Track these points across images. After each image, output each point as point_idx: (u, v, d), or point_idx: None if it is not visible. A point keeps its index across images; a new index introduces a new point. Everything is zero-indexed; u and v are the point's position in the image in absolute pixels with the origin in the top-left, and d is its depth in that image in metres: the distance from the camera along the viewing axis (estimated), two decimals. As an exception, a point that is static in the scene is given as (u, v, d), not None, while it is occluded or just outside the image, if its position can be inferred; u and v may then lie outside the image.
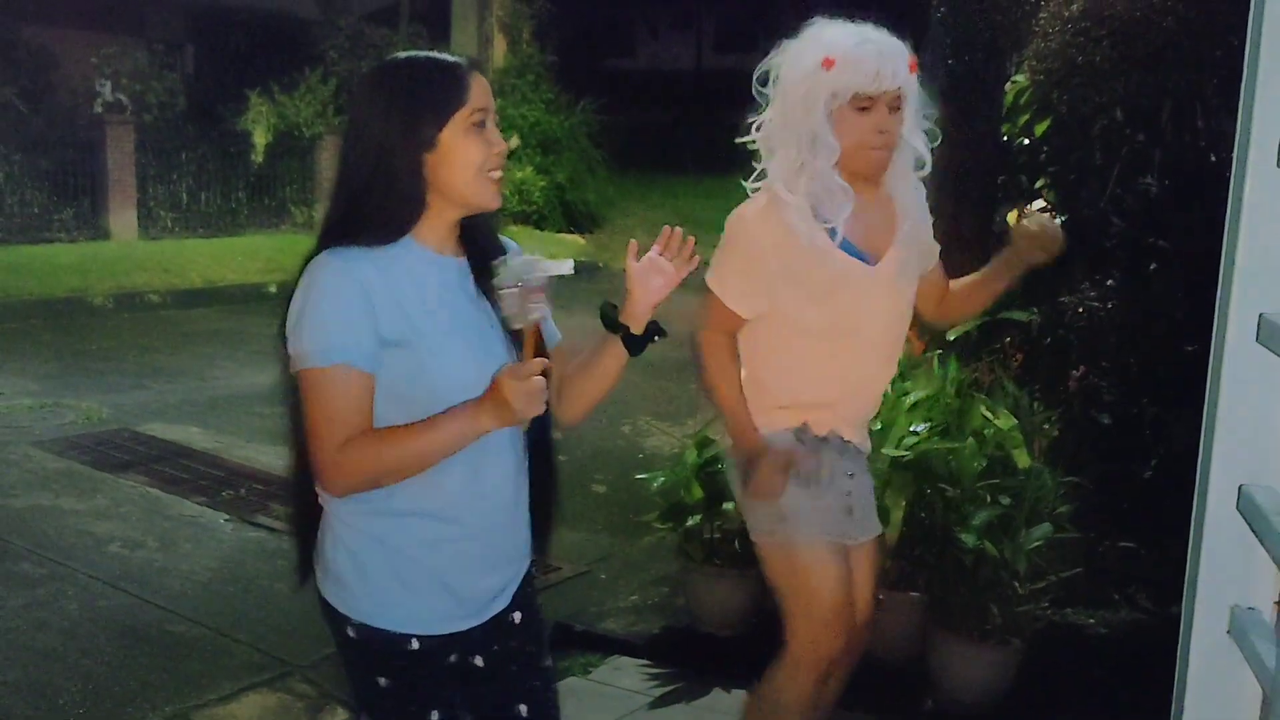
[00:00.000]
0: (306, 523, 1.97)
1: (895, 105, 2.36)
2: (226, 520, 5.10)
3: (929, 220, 2.59)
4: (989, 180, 4.65)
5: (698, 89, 21.31)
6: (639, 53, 26.22)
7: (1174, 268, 3.89)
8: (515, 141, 14.92)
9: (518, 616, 2.03)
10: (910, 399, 3.60)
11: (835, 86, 2.32)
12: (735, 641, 3.75)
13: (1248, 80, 1.36)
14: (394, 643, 1.89)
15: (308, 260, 1.83)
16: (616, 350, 1.96)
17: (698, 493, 3.72)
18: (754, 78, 2.46)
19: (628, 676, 3.65)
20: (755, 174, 2.52)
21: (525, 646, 2.07)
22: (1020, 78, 4.58)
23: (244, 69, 15.84)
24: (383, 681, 1.92)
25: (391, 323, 1.79)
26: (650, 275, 1.94)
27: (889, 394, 3.63)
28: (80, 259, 12.00)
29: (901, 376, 3.82)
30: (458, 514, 1.89)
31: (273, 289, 12.01)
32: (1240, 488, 1.32)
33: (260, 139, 15.02)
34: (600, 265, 14.41)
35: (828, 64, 2.32)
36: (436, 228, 1.87)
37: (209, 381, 7.87)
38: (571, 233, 15.40)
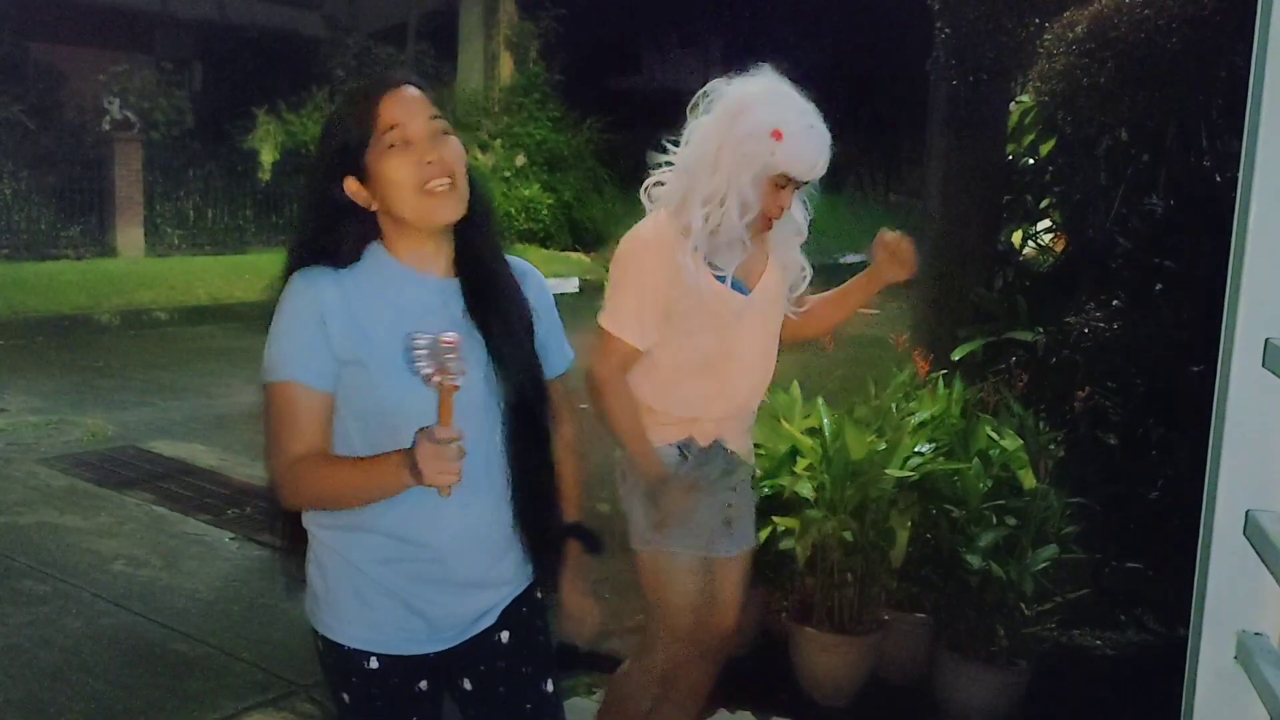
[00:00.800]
0: (291, 538, 1.99)
1: (798, 187, 2.50)
2: (231, 539, 5.09)
3: (801, 268, 2.70)
4: (994, 200, 4.66)
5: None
6: (646, 71, 26.32)
7: (1180, 289, 3.88)
8: (521, 159, 14.97)
9: (505, 636, 1.98)
10: (915, 419, 3.60)
11: (775, 160, 2.40)
12: (740, 661, 3.73)
13: (1253, 102, 1.35)
14: (351, 659, 1.90)
15: (281, 282, 1.87)
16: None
17: (702, 512, 3.70)
18: (691, 102, 2.53)
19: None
20: (654, 186, 2.60)
21: (517, 668, 2.01)
22: (1025, 98, 4.59)
23: (252, 87, 15.91)
24: (345, 697, 1.93)
25: (346, 341, 1.81)
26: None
27: (894, 413, 3.64)
28: (87, 276, 12.04)
29: (906, 397, 3.82)
30: (416, 535, 1.86)
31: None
32: (1247, 513, 1.31)
33: (267, 157, 15.07)
34: (605, 283, 14.43)
35: (777, 135, 2.39)
36: (413, 246, 1.87)
37: (215, 399, 7.88)
38: (576, 250, 15.43)
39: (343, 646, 1.89)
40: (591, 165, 16.22)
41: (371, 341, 1.80)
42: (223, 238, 14.69)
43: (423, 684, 1.95)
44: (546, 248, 15.14)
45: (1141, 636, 3.81)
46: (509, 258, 2.00)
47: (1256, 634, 1.41)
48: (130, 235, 13.79)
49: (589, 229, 15.75)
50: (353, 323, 1.81)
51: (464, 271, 1.90)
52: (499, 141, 15.34)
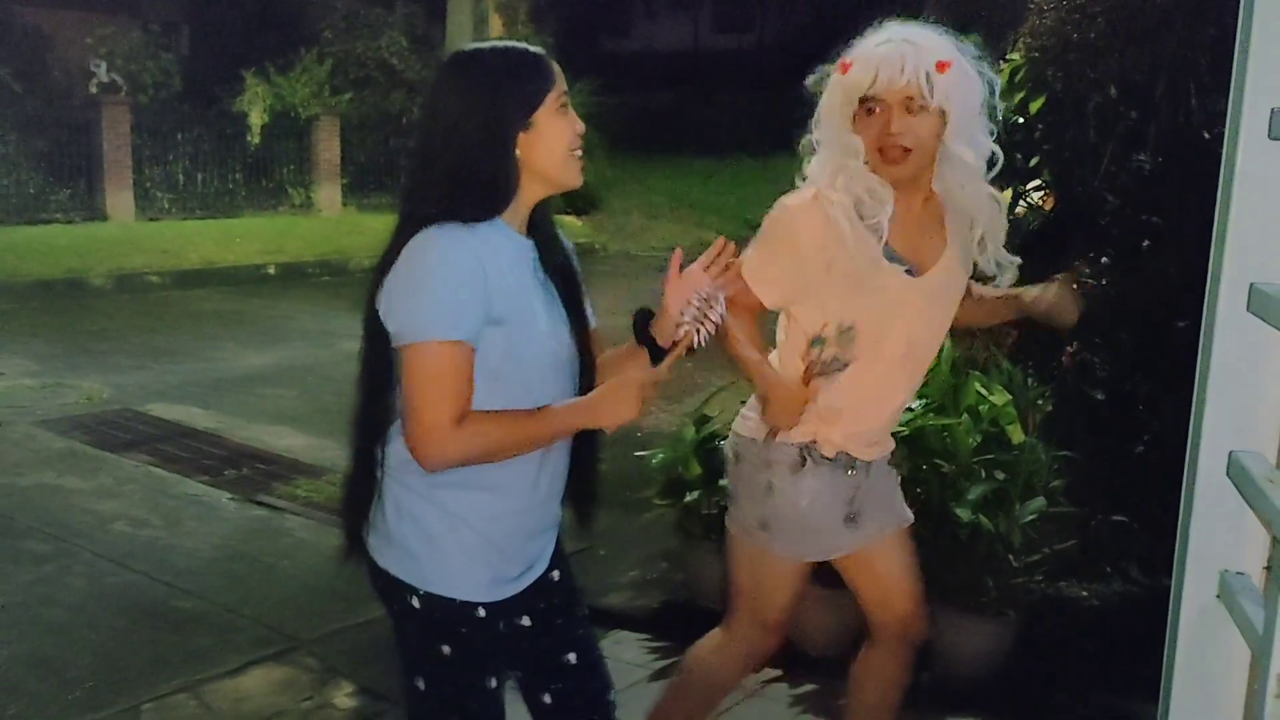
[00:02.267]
0: (361, 497, 2.01)
1: (912, 107, 2.23)
2: (230, 499, 5.14)
3: (1000, 230, 2.46)
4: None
5: (696, 70, 21.32)
6: (636, 34, 26.14)
7: (1167, 245, 3.92)
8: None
9: (556, 575, 2.13)
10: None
11: (846, 89, 2.27)
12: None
13: (1240, 51, 1.39)
14: (461, 611, 1.96)
15: (396, 238, 1.88)
16: (642, 359, 2.02)
17: (696, 469, 3.76)
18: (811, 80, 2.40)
19: (628, 650, 3.71)
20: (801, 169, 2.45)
21: (566, 601, 2.16)
22: (1015, 55, 4.60)
23: (239, 50, 15.81)
24: (446, 649, 1.98)
25: (498, 301, 1.85)
26: (684, 291, 1.96)
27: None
28: (78, 240, 12.02)
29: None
30: (522, 489, 1.97)
31: (272, 270, 12.03)
32: (1230, 454, 1.36)
33: (256, 120, 15.00)
34: (597, 247, 14.44)
35: (844, 68, 2.28)
36: (519, 209, 1.95)
37: (210, 362, 7.91)
38: (568, 214, 15.41)
39: (454, 600, 1.95)
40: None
41: (511, 302, 1.87)
42: (213, 201, 14.64)
43: (503, 624, 2.04)
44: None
45: (1126, 587, 3.88)
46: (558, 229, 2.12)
47: (1238, 573, 1.46)
48: (120, 199, 13.74)
49: (581, 193, 15.67)
50: (502, 281, 1.86)
51: (537, 234, 2.00)
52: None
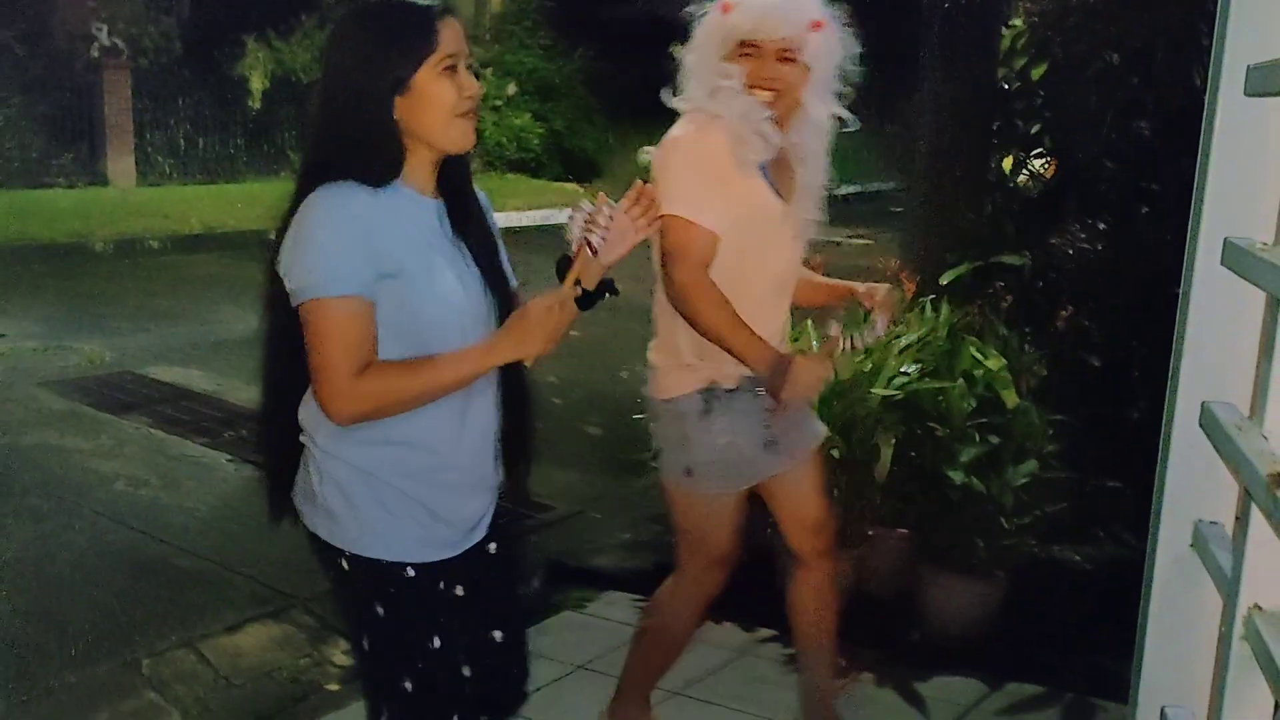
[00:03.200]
0: (281, 459, 2.01)
1: (784, 56, 2.39)
2: (228, 460, 5.17)
3: (822, 181, 2.60)
4: (985, 125, 4.68)
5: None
6: (639, -1, 25.99)
7: (1164, 210, 3.93)
8: (512, 88, 14.86)
9: (493, 547, 2.09)
10: (901, 341, 3.66)
11: (726, 29, 2.40)
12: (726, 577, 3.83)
13: (1220, 8, 1.40)
14: (388, 571, 1.93)
15: (295, 199, 1.87)
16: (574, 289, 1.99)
17: (692, 431, 3.77)
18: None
19: (620, 610, 3.74)
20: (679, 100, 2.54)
21: (501, 576, 2.13)
22: (1018, 22, 4.59)
23: (240, 14, 15.71)
24: (380, 610, 1.95)
25: (386, 255, 1.83)
26: (612, 234, 1.95)
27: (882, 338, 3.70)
28: (80, 204, 12.01)
29: (894, 320, 3.88)
30: (444, 444, 1.94)
31: (272, 235, 12.01)
32: (1203, 404, 1.38)
33: (257, 85, 14.95)
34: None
35: (725, 8, 2.41)
36: (417, 169, 1.92)
37: (209, 326, 7.92)
38: (569, 180, 15.39)
39: (380, 561, 1.92)
40: (582, 94, 16.10)
41: (404, 258, 1.85)
42: (214, 166, 14.62)
43: (441, 585, 2.01)
44: (538, 177, 15.09)
45: (1119, 550, 3.91)
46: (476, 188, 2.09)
47: (1212, 522, 1.48)
48: (122, 164, 13.72)
49: (580, 159, 15.67)
50: (386, 235, 1.84)
51: (447, 194, 1.96)
52: (490, 70, 15.20)
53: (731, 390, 2.51)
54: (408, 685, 1.96)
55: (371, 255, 1.81)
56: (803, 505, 2.69)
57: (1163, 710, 1.48)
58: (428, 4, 1.89)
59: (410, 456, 1.92)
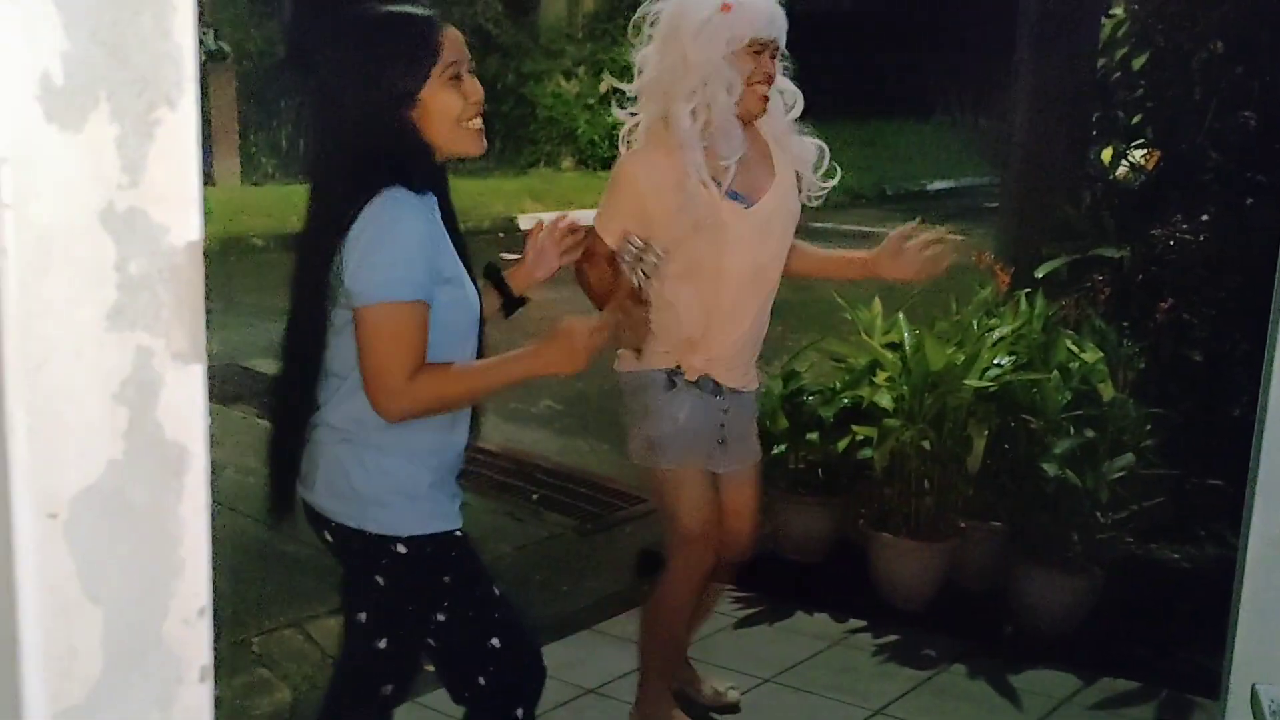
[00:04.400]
0: (288, 456, 2.10)
1: (775, 53, 2.56)
2: (331, 449, 5.33)
3: (813, 153, 2.72)
4: (1084, 117, 4.61)
5: (792, 32, 21.02)
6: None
7: (1271, 202, 3.84)
8: (605, 85, 14.93)
9: None
10: (995, 334, 3.64)
11: (734, 30, 2.47)
12: (817, 568, 3.86)
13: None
14: (446, 542, 2.04)
15: (328, 201, 1.95)
16: (492, 307, 2.16)
17: (783, 423, 3.80)
18: (630, 24, 2.63)
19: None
20: (631, 115, 2.67)
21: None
22: (1118, 10, 4.52)
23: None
24: (447, 579, 2.07)
25: (444, 261, 1.94)
26: (546, 252, 2.21)
27: (974, 329, 3.68)
28: (187, 204, 12.41)
29: (988, 313, 3.86)
30: (457, 425, 2.07)
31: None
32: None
33: (355, 85, 15.26)
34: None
35: (726, 8, 2.47)
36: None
37: (311, 320, 8.14)
38: (604, 174, 15.41)
39: (438, 535, 2.03)
40: (676, 91, 16.09)
41: (454, 263, 1.96)
42: (315, 166, 14.95)
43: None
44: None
45: (1221, 551, 3.84)
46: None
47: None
48: (226, 164, 14.14)
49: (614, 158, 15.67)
50: (440, 245, 1.94)
51: (437, 193, 2.01)
52: (583, 68, 15.32)
53: (693, 383, 2.67)
54: (496, 642, 2.07)
55: (433, 262, 1.90)
56: (735, 515, 2.82)
57: (1254, 687, 1.48)
58: (427, 14, 1.94)
59: (438, 436, 2.03)
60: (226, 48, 14.62)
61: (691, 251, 2.55)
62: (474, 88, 1.94)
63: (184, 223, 0.46)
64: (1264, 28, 3.85)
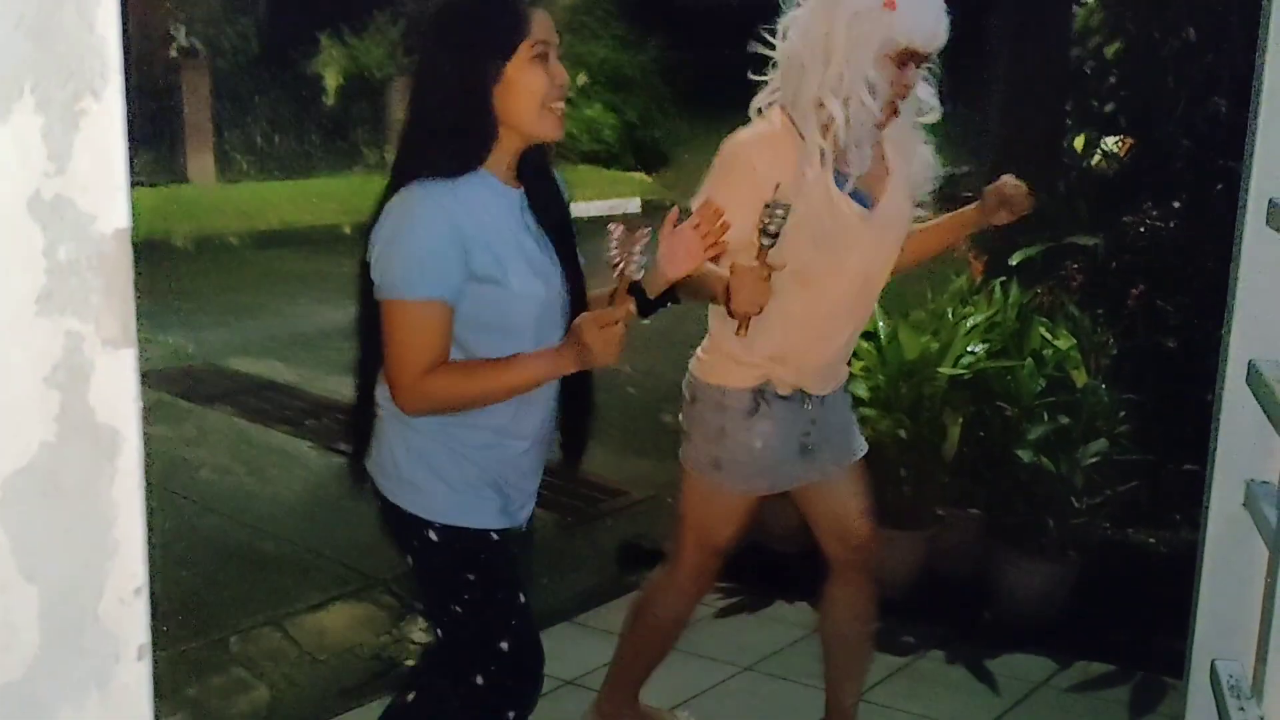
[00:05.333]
0: (359, 431, 2.09)
1: (921, 63, 2.31)
2: (310, 447, 5.31)
3: (929, 165, 2.49)
4: (1057, 105, 4.64)
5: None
6: (707, -11, 25.92)
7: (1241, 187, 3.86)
8: (584, 79, 14.93)
9: (527, 523, 2.20)
10: (969, 322, 3.66)
11: (893, 32, 2.20)
12: (796, 556, 3.86)
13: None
14: (478, 538, 2.02)
15: (386, 193, 1.92)
16: (628, 306, 2.01)
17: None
18: None
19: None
20: (763, 95, 2.41)
21: (528, 546, 2.27)
22: (1091, 0, 4.55)
23: (314, 12, 16.00)
24: (470, 576, 2.05)
25: (482, 259, 1.88)
26: (677, 248, 1.96)
27: (949, 318, 3.70)
28: (161, 202, 12.32)
29: (963, 302, 3.88)
30: (518, 429, 2.02)
31: (347, 230, 12.22)
32: (1250, 362, 1.39)
33: (332, 82, 15.21)
34: (668, 203, 14.45)
35: (890, 5, 2.20)
36: (502, 159, 1.96)
37: (288, 319, 8.11)
38: (637, 170, 15.43)
39: (469, 530, 2.02)
40: (655, 85, 16.10)
41: (499, 256, 1.90)
42: (290, 163, 14.90)
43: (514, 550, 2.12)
44: (609, 168, 15.14)
45: (1194, 536, 3.86)
46: (555, 174, 2.13)
47: (1264, 482, 1.49)
48: (201, 162, 14.05)
49: (652, 149, 15.70)
50: (481, 236, 1.89)
51: (528, 183, 2.01)
52: (562, 61, 15.28)
53: (784, 397, 2.45)
54: (504, 645, 2.06)
55: (463, 258, 1.87)
56: (840, 518, 2.63)
57: (1213, 663, 1.50)
58: None
59: (489, 438, 2.01)
60: (199, 45, 14.52)
61: (800, 255, 2.28)
62: (560, 71, 1.93)
63: (111, 211, 0.46)
64: (1233, 16, 3.87)
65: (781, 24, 2.34)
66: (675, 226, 1.97)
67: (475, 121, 1.89)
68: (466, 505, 2.02)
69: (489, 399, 1.95)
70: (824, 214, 2.31)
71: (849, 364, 2.68)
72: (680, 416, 2.61)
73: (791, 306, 2.36)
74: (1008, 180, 2.48)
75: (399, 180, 1.91)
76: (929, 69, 2.37)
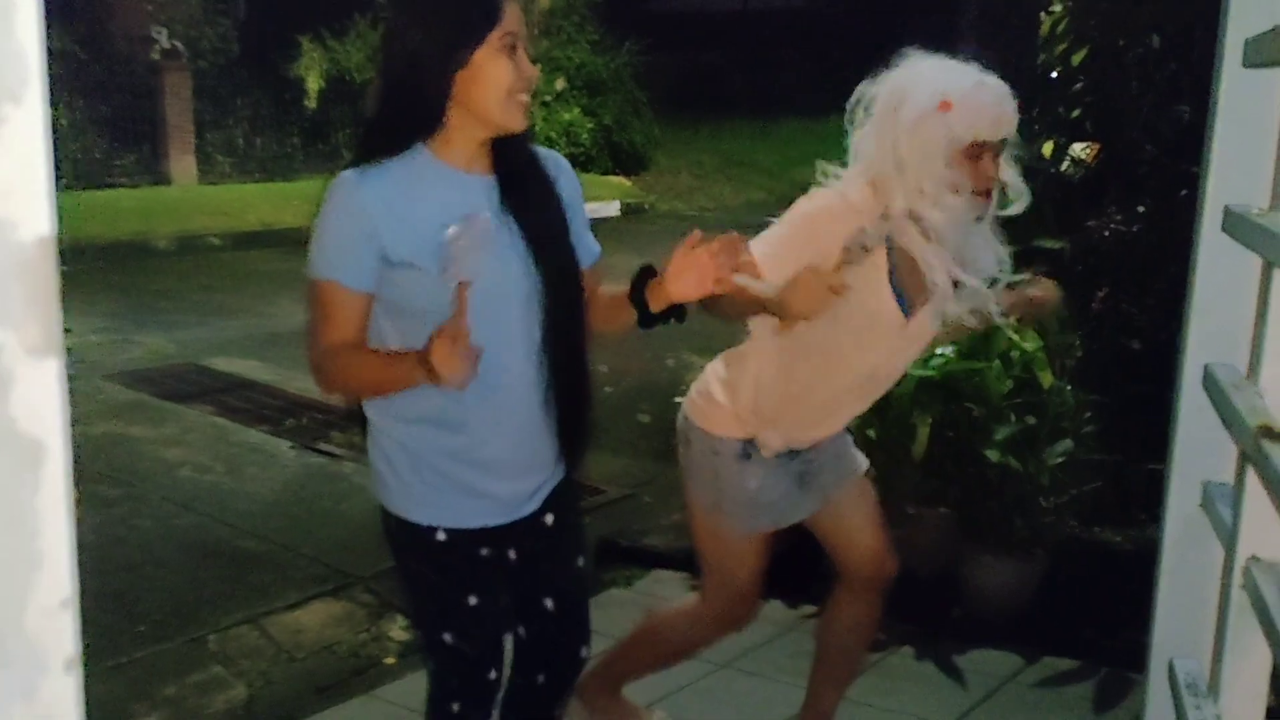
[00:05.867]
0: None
1: (999, 152, 2.27)
2: (289, 447, 5.34)
3: (986, 273, 2.36)
4: (1025, 110, 4.69)
5: (745, 30, 21.24)
6: (686, -7, 25.97)
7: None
8: (561, 83, 14.98)
9: (550, 519, 2.17)
10: (941, 323, 3.72)
11: (955, 130, 2.18)
12: (770, 556, 3.91)
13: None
14: (422, 534, 2.06)
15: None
16: (630, 313, 2.01)
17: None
18: (846, 112, 2.33)
19: (667, 588, 3.84)
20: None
21: (557, 547, 2.21)
22: (1057, 7, 4.61)
23: (295, 15, 15.98)
24: (418, 567, 2.12)
25: (399, 243, 1.89)
26: (687, 270, 1.91)
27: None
28: (142, 203, 12.31)
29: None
30: (469, 426, 2.01)
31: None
32: (1205, 366, 1.45)
33: (313, 84, 15.21)
34: (647, 206, 14.52)
35: (945, 107, 2.18)
36: (463, 146, 1.95)
37: (268, 319, 8.12)
38: (616, 174, 15.49)
39: (415, 524, 2.05)
40: (631, 88, 16.17)
41: (425, 243, 1.87)
42: (271, 165, 14.89)
43: (484, 550, 2.11)
44: (587, 171, 15.17)
45: (1158, 534, 3.94)
46: (544, 151, 2.11)
47: (1220, 483, 1.55)
48: (183, 163, 14.04)
49: (629, 152, 15.76)
50: (404, 224, 1.89)
51: (500, 170, 2.00)
52: (539, 65, 15.30)
53: (769, 458, 2.46)
54: (447, 638, 2.09)
55: (371, 246, 1.89)
56: (852, 536, 2.62)
57: (1170, 662, 1.55)
58: None
59: (438, 434, 2.01)
60: (180, 47, 14.50)
61: (828, 331, 2.27)
62: (527, 64, 1.93)
63: (33, 219, 0.48)
64: (1196, 24, 3.95)
65: (852, 146, 2.34)
66: (693, 248, 1.91)
67: (422, 102, 1.90)
68: (414, 500, 2.05)
69: (371, 389, 2.00)
70: (868, 303, 2.29)
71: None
72: (679, 455, 2.60)
73: (797, 376, 2.38)
74: (1049, 287, 2.56)
75: (352, 162, 1.96)
76: (1013, 154, 2.34)
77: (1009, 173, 2.33)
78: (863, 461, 2.66)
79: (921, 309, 2.36)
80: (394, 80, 1.93)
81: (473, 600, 2.08)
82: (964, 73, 2.24)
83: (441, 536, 2.05)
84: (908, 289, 2.32)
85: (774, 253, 2.26)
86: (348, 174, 1.93)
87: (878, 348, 2.37)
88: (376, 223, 1.88)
